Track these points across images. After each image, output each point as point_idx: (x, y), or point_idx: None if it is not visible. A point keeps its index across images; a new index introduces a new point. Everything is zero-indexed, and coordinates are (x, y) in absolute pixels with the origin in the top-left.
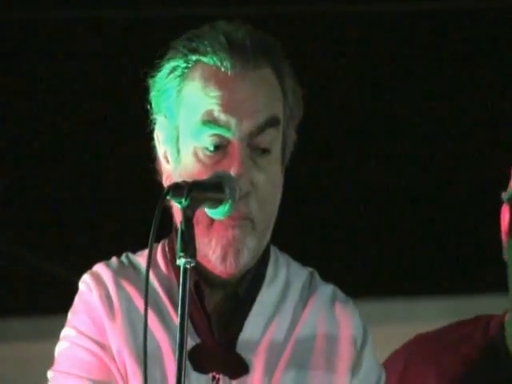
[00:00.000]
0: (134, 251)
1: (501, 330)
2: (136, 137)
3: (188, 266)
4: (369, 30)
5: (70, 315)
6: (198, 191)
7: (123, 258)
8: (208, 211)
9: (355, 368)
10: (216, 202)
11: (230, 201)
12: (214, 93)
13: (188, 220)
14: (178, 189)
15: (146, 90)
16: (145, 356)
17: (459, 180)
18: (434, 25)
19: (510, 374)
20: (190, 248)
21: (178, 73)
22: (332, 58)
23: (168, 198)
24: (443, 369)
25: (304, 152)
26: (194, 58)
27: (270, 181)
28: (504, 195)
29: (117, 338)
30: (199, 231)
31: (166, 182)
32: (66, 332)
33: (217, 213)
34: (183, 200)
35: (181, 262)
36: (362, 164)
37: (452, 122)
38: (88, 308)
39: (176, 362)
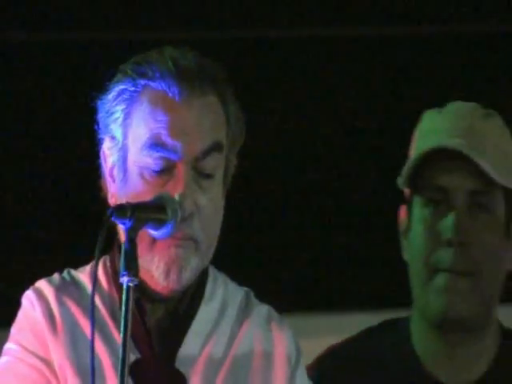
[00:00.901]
0: (75, 266)
1: (406, 330)
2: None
3: (131, 285)
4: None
5: (13, 330)
6: (141, 212)
7: (65, 274)
8: (151, 232)
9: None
10: (159, 223)
11: (172, 222)
12: (162, 117)
13: (131, 240)
14: (121, 210)
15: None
16: (92, 375)
17: None
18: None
19: (415, 372)
20: (132, 267)
21: (126, 96)
22: None
23: (112, 218)
24: (356, 379)
25: None
26: (142, 82)
27: (212, 203)
28: (400, 180)
29: (59, 354)
30: (143, 248)
31: (111, 200)
32: (9, 346)
33: (159, 233)
34: (127, 221)
35: (124, 280)
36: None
37: None
38: (31, 323)
39: (118, 378)
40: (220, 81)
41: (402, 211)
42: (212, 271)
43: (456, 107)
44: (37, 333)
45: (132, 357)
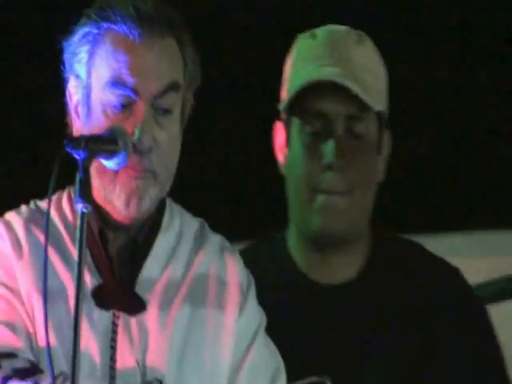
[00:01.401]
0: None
1: (285, 244)
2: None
3: (85, 211)
4: None
5: None
6: (93, 144)
7: (31, 204)
8: (104, 162)
9: (241, 311)
10: (110, 154)
11: (122, 153)
12: (123, 58)
13: (85, 170)
14: (75, 141)
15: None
16: (45, 295)
17: None
18: None
19: (292, 275)
20: (86, 195)
21: (90, 38)
22: None
23: (67, 149)
24: None
25: None
26: (105, 25)
27: (170, 139)
28: (280, 106)
29: (26, 282)
30: (105, 180)
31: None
32: None
33: (111, 163)
34: (80, 152)
35: (78, 207)
36: None
37: None
38: None
39: (74, 299)
40: (178, 25)
41: (279, 128)
42: (169, 203)
43: (329, 33)
44: (4, 263)
45: (94, 282)
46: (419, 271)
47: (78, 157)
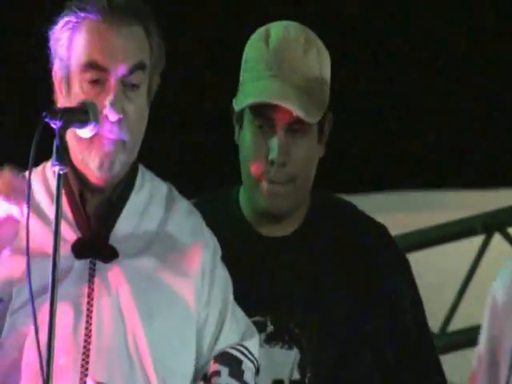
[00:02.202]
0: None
1: (238, 202)
2: None
3: (61, 172)
4: None
5: None
6: (68, 115)
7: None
8: (77, 131)
9: (212, 271)
10: (82, 123)
11: (93, 122)
12: (97, 43)
13: (61, 137)
14: (53, 113)
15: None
16: (27, 255)
17: None
18: None
19: (242, 227)
20: (62, 159)
21: (69, 26)
22: None
23: (46, 120)
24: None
25: None
26: (82, 15)
27: (138, 110)
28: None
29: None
30: (82, 146)
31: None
32: None
33: (84, 132)
34: (57, 121)
35: (55, 169)
36: None
37: None
38: None
39: (52, 252)
40: (145, 16)
41: (235, 116)
42: (141, 168)
43: (280, 40)
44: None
45: (73, 236)
46: (351, 228)
47: (54, 126)
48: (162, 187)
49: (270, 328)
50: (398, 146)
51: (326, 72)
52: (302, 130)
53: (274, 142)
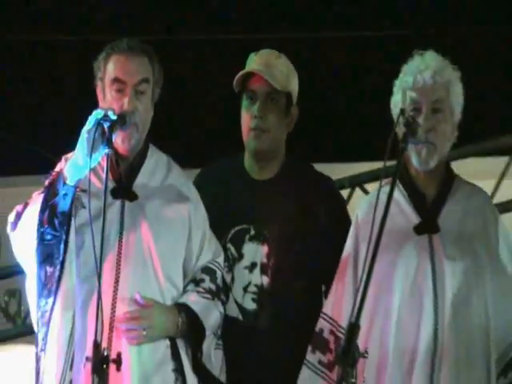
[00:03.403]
0: None
1: (241, 159)
2: None
3: (109, 153)
4: None
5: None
6: (121, 119)
7: None
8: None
9: (195, 213)
10: (122, 126)
11: (127, 124)
12: (119, 66)
13: (112, 131)
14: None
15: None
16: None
17: None
18: None
19: (244, 178)
20: (111, 145)
21: (103, 57)
22: None
23: (100, 121)
24: (212, 185)
25: None
26: (110, 51)
27: (145, 108)
28: None
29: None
30: (118, 132)
31: (101, 107)
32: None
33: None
34: (108, 122)
35: (107, 151)
36: None
37: None
38: None
39: (103, 201)
40: (149, 51)
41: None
42: (150, 145)
43: (263, 53)
44: None
45: (113, 185)
46: (310, 178)
47: (107, 124)
48: (163, 157)
49: (252, 232)
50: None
51: (292, 75)
52: (273, 98)
53: (256, 105)
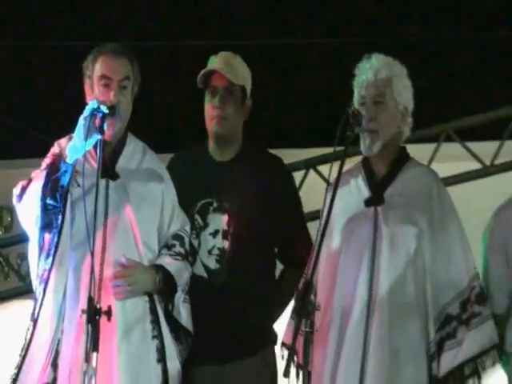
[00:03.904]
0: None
1: (206, 145)
2: None
3: (101, 139)
4: None
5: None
6: (112, 112)
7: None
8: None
9: (166, 189)
10: (112, 116)
11: (117, 115)
12: (105, 65)
13: (103, 121)
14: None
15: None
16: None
17: None
18: None
19: (207, 160)
20: (102, 132)
21: (91, 59)
22: None
23: (94, 113)
24: (181, 170)
25: None
26: (97, 53)
27: (127, 101)
28: None
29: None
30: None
31: (88, 101)
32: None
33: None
34: (101, 113)
35: (99, 137)
36: None
37: None
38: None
39: (97, 181)
40: (129, 54)
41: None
42: (129, 134)
43: (223, 54)
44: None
45: (100, 168)
46: (263, 157)
47: (100, 114)
48: (139, 144)
49: (215, 204)
50: None
51: (247, 73)
52: (231, 92)
53: (217, 98)
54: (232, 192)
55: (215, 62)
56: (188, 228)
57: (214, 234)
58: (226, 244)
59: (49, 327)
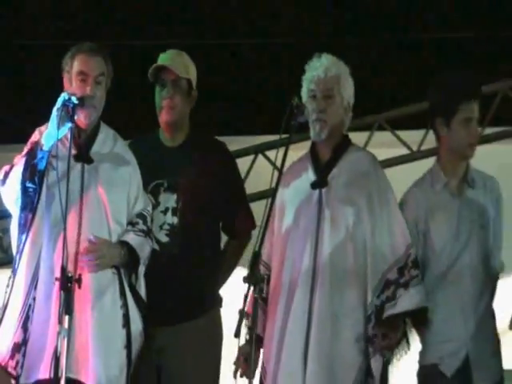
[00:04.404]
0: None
1: (158, 132)
2: None
3: (72, 126)
4: None
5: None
6: (79, 102)
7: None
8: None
9: (133, 172)
10: (82, 106)
11: (88, 104)
12: (82, 62)
13: (74, 111)
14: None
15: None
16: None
17: None
18: None
19: (158, 146)
20: (74, 120)
21: (71, 56)
22: None
23: (68, 102)
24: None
25: None
26: (75, 51)
27: (101, 94)
28: None
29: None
30: (80, 111)
31: (67, 91)
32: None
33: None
34: (72, 104)
35: (70, 125)
36: None
37: None
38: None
39: (68, 164)
40: (104, 53)
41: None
42: (101, 122)
43: (172, 51)
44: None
45: (74, 152)
46: (208, 143)
47: (71, 104)
48: (110, 131)
49: (165, 185)
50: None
51: (192, 68)
52: (177, 84)
53: (165, 90)
54: (180, 174)
55: (164, 59)
56: (150, 208)
57: (165, 211)
58: (175, 220)
59: (22, 293)
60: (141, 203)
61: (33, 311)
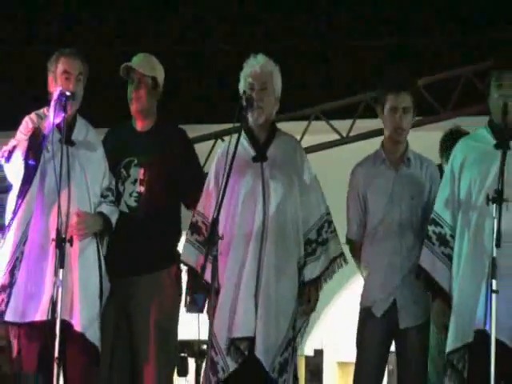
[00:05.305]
0: None
1: (131, 120)
2: None
3: (65, 116)
4: None
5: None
6: (69, 97)
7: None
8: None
9: (103, 156)
10: (72, 98)
11: (75, 99)
12: (65, 62)
13: (67, 102)
14: (66, 96)
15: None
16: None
17: None
18: None
19: (131, 132)
20: (66, 111)
21: (55, 59)
22: None
23: (61, 98)
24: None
25: None
26: (59, 54)
27: (80, 90)
28: None
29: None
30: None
31: (51, 89)
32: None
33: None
34: (65, 98)
35: (63, 114)
36: None
37: None
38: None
39: (61, 147)
40: (82, 55)
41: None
42: (77, 113)
43: (143, 54)
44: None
45: (59, 136)
46: (173, 129)
47: (63, 98)
48: (83, 120)
49: (135, 161)
50: None
51: (159, 67)
52: (143, 80)
53: (134, 84)
54: (147, 152)
55: (133, 61)
56: (114, 183)
57: (134, 182)
58: (142, 189)
59: (11, 246)
60: (107, 179)
61: (20, 262)
